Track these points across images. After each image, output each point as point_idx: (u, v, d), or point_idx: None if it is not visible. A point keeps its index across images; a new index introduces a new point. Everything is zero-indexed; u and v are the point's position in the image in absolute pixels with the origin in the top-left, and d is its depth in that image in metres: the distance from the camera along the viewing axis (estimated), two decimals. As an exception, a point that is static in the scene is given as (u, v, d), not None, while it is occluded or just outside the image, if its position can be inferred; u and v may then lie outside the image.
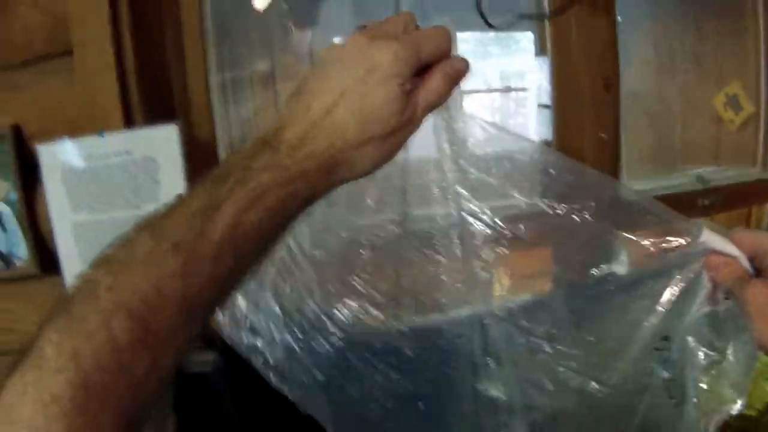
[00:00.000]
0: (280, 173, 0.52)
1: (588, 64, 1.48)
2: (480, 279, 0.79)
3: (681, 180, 1.84)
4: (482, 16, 1.21)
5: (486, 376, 0.81)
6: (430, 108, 0.61)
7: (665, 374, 0.76)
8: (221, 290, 0.51)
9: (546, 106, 1.70)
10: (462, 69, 0.63)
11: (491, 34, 3.12)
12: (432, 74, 0.60)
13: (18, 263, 1.29)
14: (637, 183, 1.77)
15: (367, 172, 0.59)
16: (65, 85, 1.23)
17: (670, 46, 2.22)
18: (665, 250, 0.72)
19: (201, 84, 1.29)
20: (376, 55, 0.56)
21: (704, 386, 0.73)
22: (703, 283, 0.71)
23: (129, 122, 1.20)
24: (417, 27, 0.62)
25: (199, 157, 1.24)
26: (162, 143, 1.17)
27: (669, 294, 0.73)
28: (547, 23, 1.49)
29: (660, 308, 0.74)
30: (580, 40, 1.48)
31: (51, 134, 1.22)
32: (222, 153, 1.35)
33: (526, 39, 3.05)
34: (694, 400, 0.74)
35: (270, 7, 1.94)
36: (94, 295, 0.45)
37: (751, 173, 1.90)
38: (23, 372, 0.42)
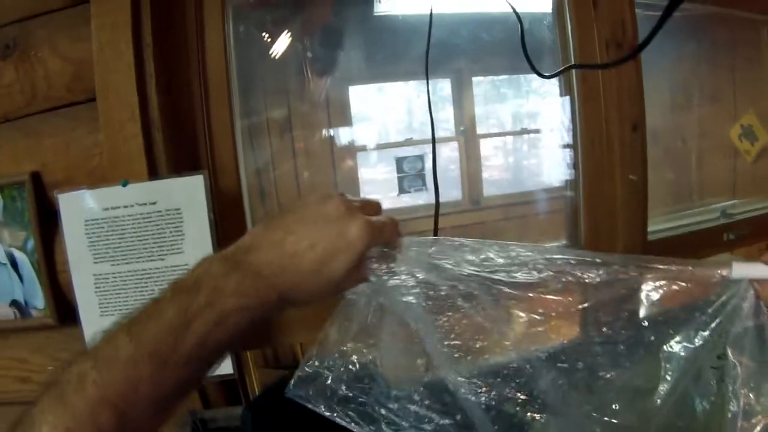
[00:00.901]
0: (244, 300, 0.61)
1: (616, 106, 1.48)
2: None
3: (703, 216, 1.83)
4: (531, 64, 1.20)
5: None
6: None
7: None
8: (187, 387, 0.61)
9: (568, 147, 1.69)
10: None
11: (503, 77, 3.16)
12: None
13: (34, 313, 1.26)
14: (659, 222, 1.75)
15: (303, 306, 0.69)
16: (88, 134, 1.22)
17: (684, 83, 2.23)
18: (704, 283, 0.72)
19: (227, 133, 1.28)
20: (351, 228, 0.66)
21: (749, 395, 0.71)
22: (748, 300, 0.70)
23: (153, 171, 1.17)
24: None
25: (225, 208, 1.22)
26: (188, 193, 1.15)
27: (716, 317, 0.72)
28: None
29: (708, 332, 0.73)
30: (607, 82, 1.47)
31: (73, 183, 1.20)
32: (246, 203, 1.33)
33: (538, 81, 3.07)
34: (735, 409, 0.71)
35: (289, 55, 1.95)
36: (83, 387, 0.53)
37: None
38: None
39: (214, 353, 0.61)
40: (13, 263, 1.26)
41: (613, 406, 0.78)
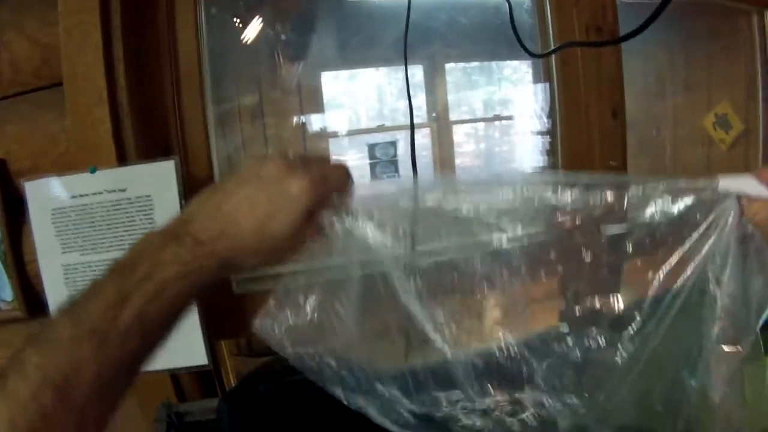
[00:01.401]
0: (183, 267, 0.61)
1: (596, 92, 1.48)
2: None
3: None
4: (521, 44, 1.19)
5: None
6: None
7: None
8: (131, 365, 0.60)
9: (543, 134, 1.69)
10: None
11: (474, 63, 3.15)
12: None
13: (2, 305, 1.23)
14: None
15: (254, 270, 0.68)
16: (55, 119, 1.18)
17: (660, 71, 2.24)
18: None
19: (198, 119, 1.25)
20: (291, 185, 0.63)
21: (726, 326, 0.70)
22: (732, 218, 0.67)
23: (122, 158, 1.14)
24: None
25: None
26: (158, 180, 1.12)
27: (701, 241, 0.70)
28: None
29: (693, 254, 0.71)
30: (587, 68, 1.47)
31: (39, 170, 1.16)
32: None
33: (510, 68, 3.08)
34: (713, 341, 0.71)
35: (261, 41, 1.92)
36: (25, 372, 0.53)
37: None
38: None
39: (157, 326, 0.61)
40: (-21, 253, 1.22)
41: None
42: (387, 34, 1.95)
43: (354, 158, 2.96)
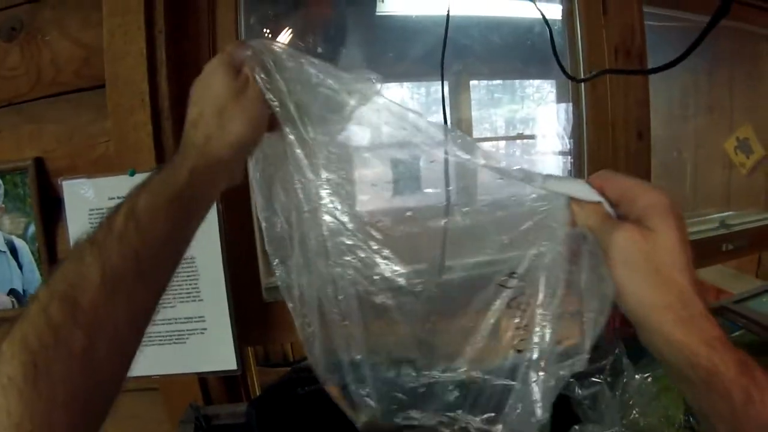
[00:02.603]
0: (169, 169, 0.67)
1: (623, 113, 1.49)
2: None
3: (701, 226, 1.83)
4: (561, 67, 1.19)
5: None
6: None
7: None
8: (134, 266, 0.60)
9: (564, 153, 1.69)
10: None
11: (498, 81, 3.16)
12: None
13: (32, 303, 1.23)
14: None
15: (234, 144, 0.73)
16: (94, 121, 1.20)
17: (683, 94, 2.24)
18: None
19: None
20: (210, 63, 0.76)
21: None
22: (561, 222, 0.67)
23: (161, 162, 1.15)
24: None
25: (231, 198, 1.20)
26: (195, 184, 1.13)
27: (521, 232, 0.70)
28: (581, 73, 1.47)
29: (510, 245, 0.71)
30: (615, 89, 1.48)
31: (76, 171, 1.18)
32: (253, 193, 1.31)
33: (533, 87, 3.08)
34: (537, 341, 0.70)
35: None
36: (36, 296, 0.54)
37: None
38: None
39: (149, 220, 0.63)
40: (13, 251, 1.23)
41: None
42: (414, 49, 1.95)
43: (377, 172, 2.99)
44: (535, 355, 0.69)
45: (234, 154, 0.73)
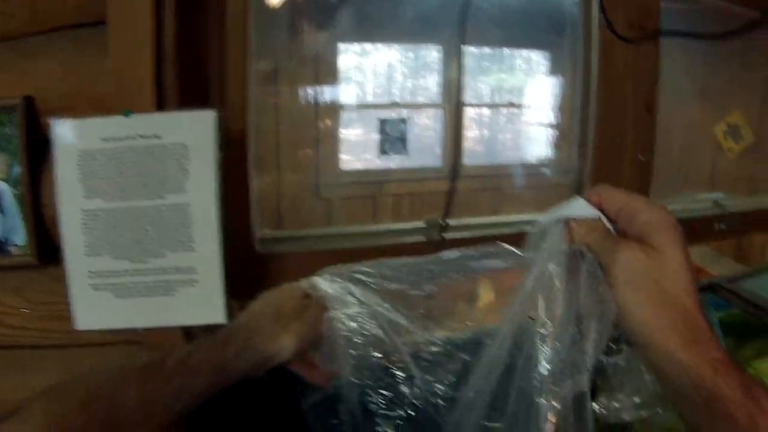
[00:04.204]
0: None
1: (633, 86, 1.49)
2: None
3: (694, 205, 1.86)
4: (612, 29, 1.17)
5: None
6: None
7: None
8: (169, 403, 0.75)
9: (550, 126, 1.70)
10: None
11: (487, 49, 3.16)
12: None
13: (13, 250, 1.17)
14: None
15: (287, 355, 0.88)
16: (93, 59, 1.13)
17: (676, 77, 2.24)
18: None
19: (240, 74, 1.21)
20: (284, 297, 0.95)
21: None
22: (558, 241, 0.66)
23: (160, 104, 1.10)
24: None
25: (230, 150, 1.14)
26: (196, 130, 1.08)
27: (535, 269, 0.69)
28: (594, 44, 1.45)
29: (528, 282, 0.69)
30: (629, 61, 1.48)
31: (70, 111, 1.10)
32: (251, 147, 1.26)
33: (521, 58, 3.09)
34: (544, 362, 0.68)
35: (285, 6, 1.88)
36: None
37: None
38: None
39: (196, 373, 0.79)
40: (-5, 194, 1.17)
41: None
42: (407, 12, 1.92)
43: (363, 132, 3.02)
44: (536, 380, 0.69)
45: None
